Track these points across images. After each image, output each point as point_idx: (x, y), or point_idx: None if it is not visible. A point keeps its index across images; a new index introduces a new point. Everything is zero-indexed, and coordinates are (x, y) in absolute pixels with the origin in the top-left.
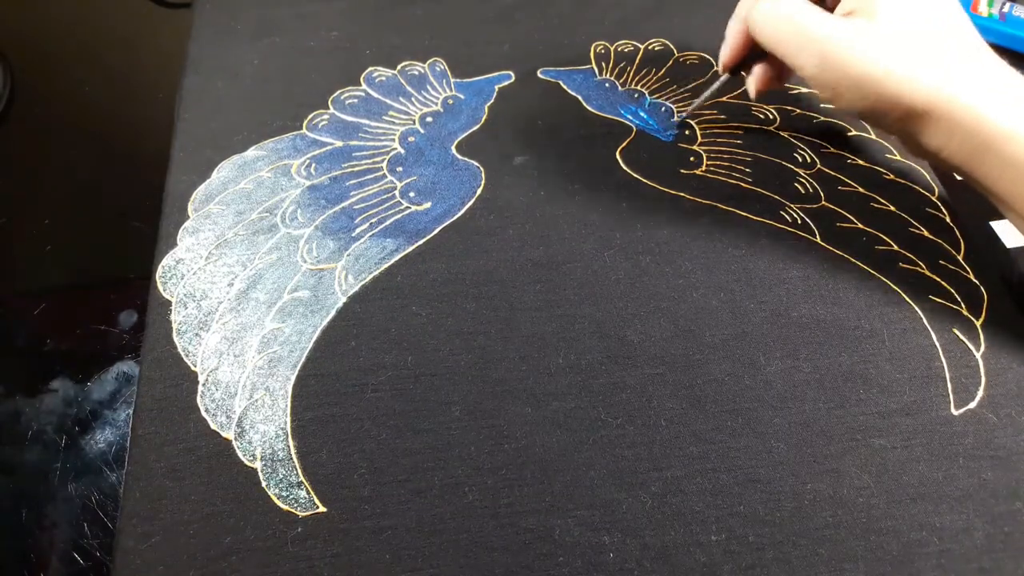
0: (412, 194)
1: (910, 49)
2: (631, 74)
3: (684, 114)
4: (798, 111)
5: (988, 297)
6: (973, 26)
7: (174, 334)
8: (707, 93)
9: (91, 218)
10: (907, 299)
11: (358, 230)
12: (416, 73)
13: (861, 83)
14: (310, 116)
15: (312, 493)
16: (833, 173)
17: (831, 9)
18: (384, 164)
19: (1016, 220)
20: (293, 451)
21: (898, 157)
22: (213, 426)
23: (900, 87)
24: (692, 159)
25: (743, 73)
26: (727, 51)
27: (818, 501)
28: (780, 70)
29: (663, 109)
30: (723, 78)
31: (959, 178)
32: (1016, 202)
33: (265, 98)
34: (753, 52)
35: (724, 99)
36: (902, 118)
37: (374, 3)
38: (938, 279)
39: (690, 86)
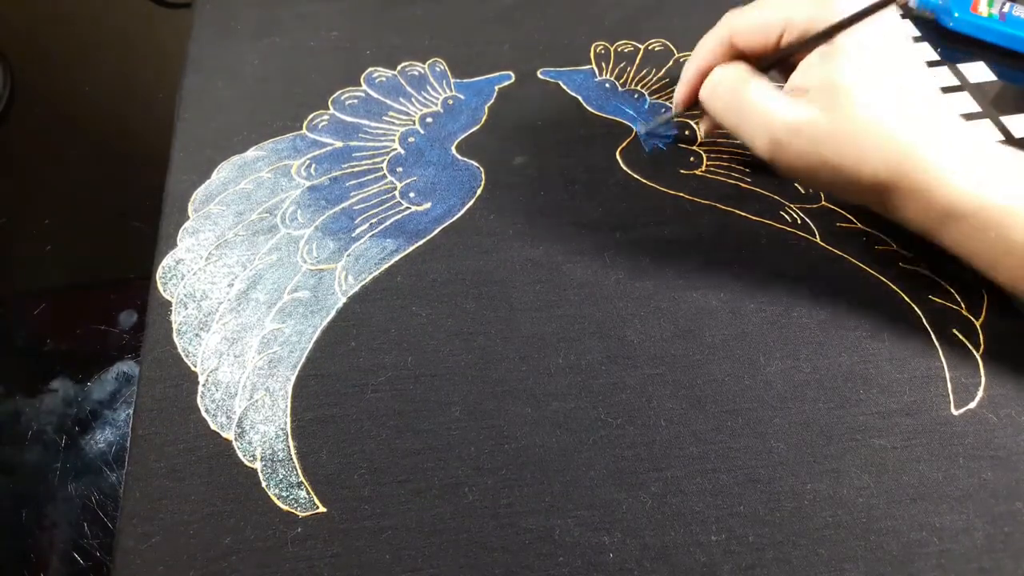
0: (412, 194)
1: (869, 134)
2: (631, 74)
3: (644, 131)
4: None
5: (988, 297)
6: (934, 88)
7: (174, 334)
8: (662, 119)
9: (91, 218)
10: (907, 299)
11: (358, 230)
12: (416, 73)
13: (816, 169)
14: (310, 116)
15: (312, 493)
16: None
17: (788, 71)
18: (384, 164)
19: (994, 279)
20: (293, 451)
21: None
22: (213, 426)
23: (857, 171)
24: (692, 159)
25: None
26: (680, 95)
27: (818, 501)
28: None
29: (663, 109)
30: (677, 111)
31: None
32: (988, 269)
33: (265, 98)
34: None
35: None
36: (866, 194)
37: (374, 3)
38: (938, 279)
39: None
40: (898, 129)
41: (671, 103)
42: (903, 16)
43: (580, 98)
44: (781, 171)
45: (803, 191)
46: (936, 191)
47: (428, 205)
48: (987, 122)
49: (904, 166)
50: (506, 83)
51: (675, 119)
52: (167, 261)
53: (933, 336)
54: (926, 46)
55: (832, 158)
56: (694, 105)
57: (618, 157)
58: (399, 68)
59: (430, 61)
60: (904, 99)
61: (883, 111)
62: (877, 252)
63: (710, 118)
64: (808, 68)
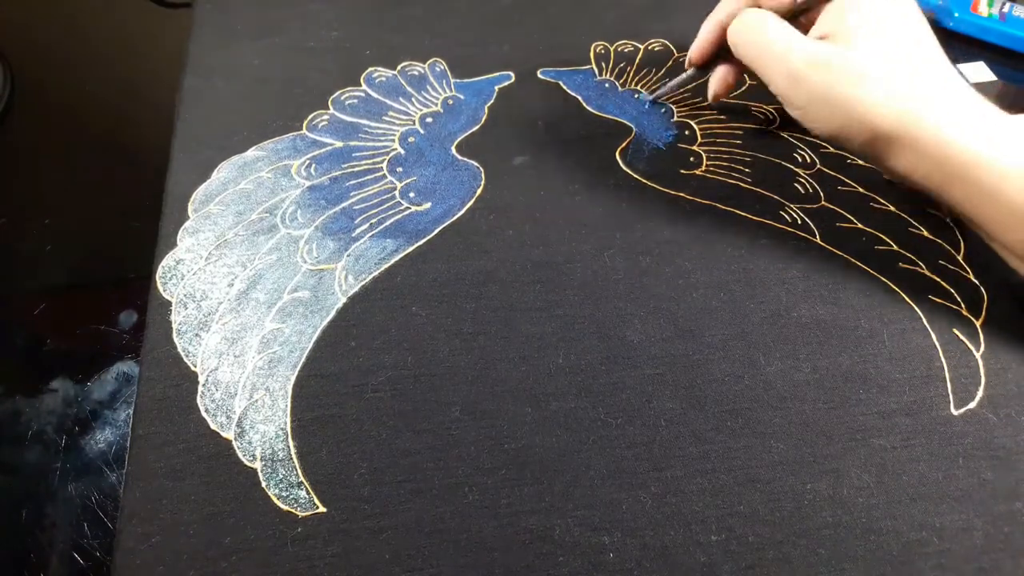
0: (412, 194)
1: (881, 76)
2: (631, 74)
3: (651, 97)
4: None
5: (988, 297)
6: (943, 54)
7: (174, 334)
8: (673, 83)
9: (91, 218)
10: (907, 299)
11: (358, 230)
12: (416, 73)
13: (831, 105)
14: (310, 116)
15: (312, 493)
16: (833, 173)
17: (805, 31)
18: (384, 164)
19: (995, 245)
20: (293, 451)
21: None
22: (213, 426)
23: (869, 112)
24: (692, 159)
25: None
26: (697, 47)
27: (818, 501)
28: (739, 75)
29: (663, 109)
30: (689, 72)
31: None
32: (985, 225)
33: (265, 98)
34: (721, 52)
35: (724, 99)
36: (869, 142)
37: (374, 3)
38: (938, 279)
39: (690, 86)
40: (909, 79)
41: (671, 103)
42: None
43: (580, 98)
44: (795, 109)
45: (803, 191)
46: (941, 146)
47: (428, 205)
48: None
49: (912, 117)
50: (506, 83)
51: (687, 81)
52: (167, 261)
53: (933, 336)
54: None
55: (844, 98)
56: (707, 66)
57: (618, 157)
58: (399, 68)
59: (430, 61)
60: (918, 53)
61: (897, 60)
62: (877, 252)
63: (719, 77)
64: (827, 17)
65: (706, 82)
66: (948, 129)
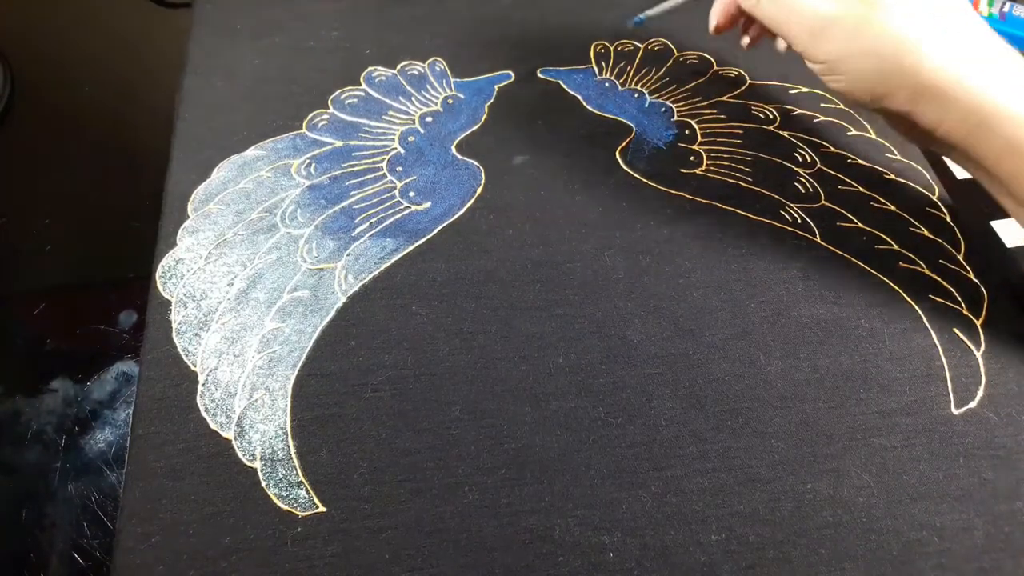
0: (412, 194)
1: (904, 25)
2: (631, 74)
3: (644, 16)
4: (798, 111)
5: (988, 297)
6: (971, 6)
7: (174, 334)
8: (670, 4)
9: (91, 218)
10: (907, 299)
11: (358, 230)
12: (416, 73)
13: (850, 61)
14: (310, 116)
15: (312, 493)
16: (833, 173)
17: None
18: (384, 164)
19: (1009, 203)
20: (293, 451)
21: (898, 157)
22: (213, 426)
23: (894, 61)
24: (692, 159)
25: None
26: (718, 12)
27: (818, 501)
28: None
29: (663, 109)
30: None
31: (960, 178)
32: (1011, 183)
33: (265, 98)
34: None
35: (724, 99)
36: (895, 93)
37: (374, 3)
38: (938, 279)
39: (690, 86)
40: (930, 27)
41: (671, 103)
42: None
43: (580, 98)
44: (817, 64)
45: (803, 191)
46: (975, 97)
47: (428, 204)
48: None
49: (933, 64)
50: (506, 83)
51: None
52: (167, 261)
53: (933, 336)
54: None
55: (865, 49)
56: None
57: (618, 157)
58: (399, 67)
59: (430, 60)
60: (939, 4)
61: (918, 8)
62: (877, 252)
63: (752, 32)
64: None
65: (706, 78)
66: (983, 81)
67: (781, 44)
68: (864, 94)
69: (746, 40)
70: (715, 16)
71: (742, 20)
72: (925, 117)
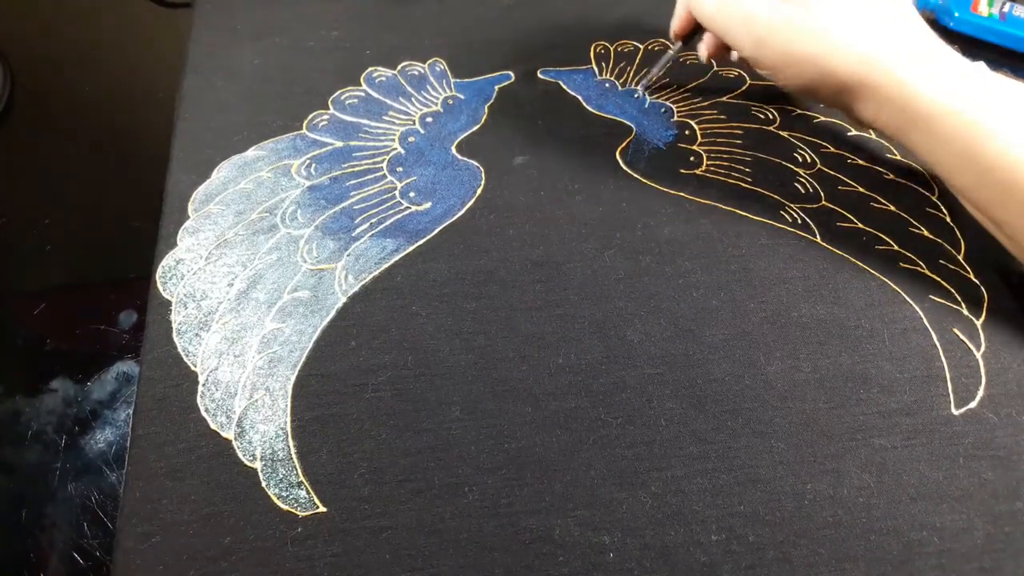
0: (412, 194)
1: (843, 30)
2: (631, 74)
3: (641, 87)
4: (798, 111)
5: (988, 297)
6: (911, 4)
7: (174, 334)
8: (662, 61)
9: (91, 218)
10: (907, 299)
11: (358, 230)
12: (416, 73)
13: (798, 63)
14: (310, 116)
15: (312, 493)
16: (833, 173)
17: None
18: (384, 164)
19: (955, 192)
20: (293, 451)
21: (898, 157)
22: (213, 426)
23: (833, 65)
24: (692, 159)
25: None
26: (676, 21)
27: (818, 501)
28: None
29: (663, 109)
30: (677, 46)
31: None
32: (945, 174)
33: (265, 98)
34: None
35: (724, 99)
36: (837, 93)
37: (374, 3)
38: (938, 279)
39: (690, 86)
40: (866, 27)
41: (671, 103)
42: None
43: (580, 98)
44: (764, 69)
45: (803, 191)
46: (902, 93)
47: (428, 205)
48: None
49: (870, 64)
50: (506, 83)
51: (676, 56)
52: (167, 261)
53: (933, 336)
54: None
55: (806, 53)
56: (689, 37)
57: (618, 157)
58: (399, 68)
59: (430, 61)
60: (882, 4)
61: (858, 12)
62: (877, 252)
63: (707, 42)
64: None
65: (706, 79)
66: (909, 77)
67: (734, 54)
68: (808, 94)
69: (703, 51)
70: (673, 23)
71: (703, 31)
72: (865, 112)
